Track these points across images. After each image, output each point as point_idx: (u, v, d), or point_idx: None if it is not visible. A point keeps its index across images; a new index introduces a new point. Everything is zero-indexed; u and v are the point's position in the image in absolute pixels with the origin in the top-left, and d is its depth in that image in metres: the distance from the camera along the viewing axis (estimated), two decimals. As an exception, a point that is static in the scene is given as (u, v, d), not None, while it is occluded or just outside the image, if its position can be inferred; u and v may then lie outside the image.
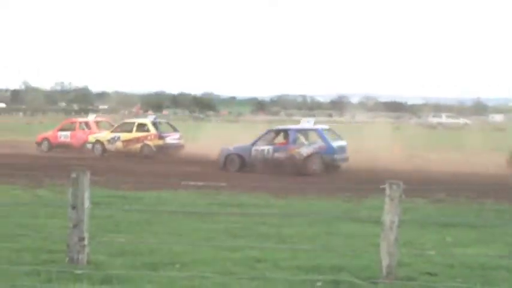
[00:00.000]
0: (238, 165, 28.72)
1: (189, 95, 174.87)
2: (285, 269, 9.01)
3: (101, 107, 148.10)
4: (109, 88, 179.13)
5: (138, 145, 35.47)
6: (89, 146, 36.56)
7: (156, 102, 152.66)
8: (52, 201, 16.67)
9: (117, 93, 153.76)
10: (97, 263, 8.74)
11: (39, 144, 39.72)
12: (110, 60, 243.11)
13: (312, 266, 9.15)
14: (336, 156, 28.17)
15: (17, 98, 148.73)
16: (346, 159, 28.94)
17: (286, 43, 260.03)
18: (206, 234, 12.04)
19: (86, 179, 8.50)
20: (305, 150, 28.22)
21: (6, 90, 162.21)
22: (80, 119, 42.87)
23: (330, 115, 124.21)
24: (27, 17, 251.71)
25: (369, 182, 18.34)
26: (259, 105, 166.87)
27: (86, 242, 8.57)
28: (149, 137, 35.43)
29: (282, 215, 14.62)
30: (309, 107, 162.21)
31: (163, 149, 35.10)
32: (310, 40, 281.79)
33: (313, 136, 29.66)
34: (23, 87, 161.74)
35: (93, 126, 39.90)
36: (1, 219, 13.06)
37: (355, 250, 10.46)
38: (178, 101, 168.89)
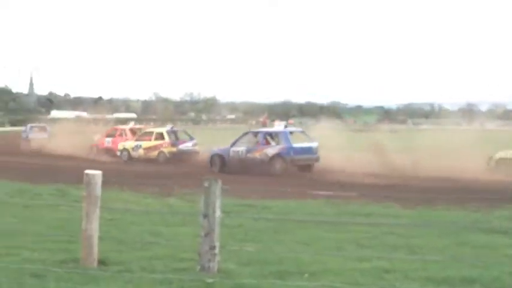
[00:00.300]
0: (219, 165, 32.09)
1: (316, 104, 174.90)
2: (415, 280, 8.86)
3: (228, 116, 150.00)
4: (237, 98, 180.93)
5: (156, 152, 39.41)
6: (118, 152, 41.09)
7: (282, 112, 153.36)
8: (182, 209, 16.97)
9: (244, 103, 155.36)
10: (227, 271, 8.80)
11: (91, 148, 43.97)
12: (238, 71, 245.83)
13: (442, 277, 8.97)
14: (297, 157, 30.93)
15: (148, 109, 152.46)
16: (314, 160, 31.66)
17: (414, 50, 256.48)
18: (334, 243, 11.98)
19: (218, 188, 8.60)
20: (270, 151, 31.28)
21: (138, 101, 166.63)
22: (121, 127, 46.40)
23: (458, 123, 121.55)
24: (156, 29, 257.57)
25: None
26: (385, 114, 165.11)
27: (216, 250, 8.67)
28: (164, 145, 39.44)
29: (411, 225, 14.44)
30: (437, 115, 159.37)
31: (177, 155, 38.68)
32: (438, 46, 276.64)
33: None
34: (153, 98, 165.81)
35: (128, 133, 43.51)
36: (134, 227, 13.41)
37: (485, 261, 10.22)
38: (305, 110, 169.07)
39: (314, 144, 32.12)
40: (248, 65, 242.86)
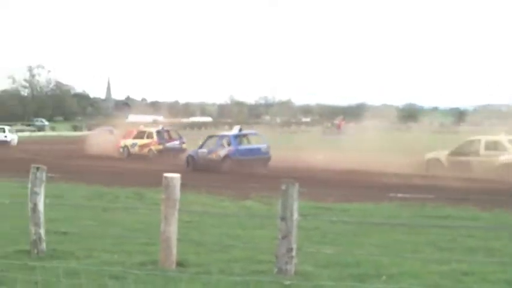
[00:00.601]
0: (192, 165, 36.65)
1: (391, 106, 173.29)
2: (493, 283, 8.72)
3: (303, 119, 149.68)
4: (312, 101, 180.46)
5: (146, 149, 45.60)
6: (121, 149, 47.60)
7: (357, 114, 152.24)
8: (259, 212, 17.01)
9: (319, 105, 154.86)
10: (305, 274, 8.80)
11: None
12: (313, 73, 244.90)
13: (521, 280, 8.84)
14: (242, 157, 35.07)
15: (223, 112, 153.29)
16: (263, 159, 35.62)
17: (493, 49, 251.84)
18: (412, 246, 11.87)
19: (295, 190, 8.62)
20: (222, 153, 35.89)
21: (213, 105, 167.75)
22: (146, 129, 49.02)
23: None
24: (231, 33, 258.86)
25: None
26: (461, 116, 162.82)
27: (294, 253, 8.68)
28: (152, 143, 45.70)
29: (489, 228, 14.21)
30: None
31: (164, 152, 44.01)
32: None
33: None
34: (228, 101, 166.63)
35: (154, 136, 46.28)
36: (211, 229, 13.49)
37: None
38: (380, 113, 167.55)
39: (263, 146, 36.68)
40: (323, 67, 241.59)
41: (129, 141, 47.63)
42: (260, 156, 35.89)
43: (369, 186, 25.23)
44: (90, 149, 52.65)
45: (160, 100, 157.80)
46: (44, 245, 10.09)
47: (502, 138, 30.55)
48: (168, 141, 45.75)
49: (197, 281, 8.10)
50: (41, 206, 10.01)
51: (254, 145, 37.42)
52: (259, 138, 39.21)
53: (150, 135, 46.37)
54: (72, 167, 35.20)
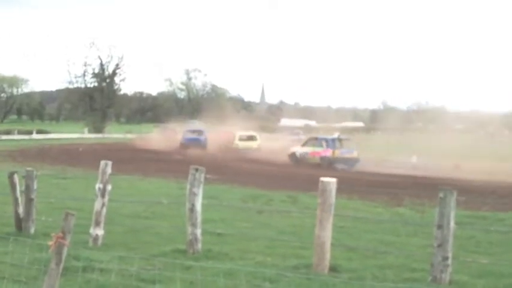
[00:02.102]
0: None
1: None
2: None
3: (456, 126, 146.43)
4: (466, 107, 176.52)
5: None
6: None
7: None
8: (412, 219, 16.81)
9: (474, 112, 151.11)
10: (459, 283, 8.65)
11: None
12: (468, 79, 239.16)
13: None
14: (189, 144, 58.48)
15: (376, 118, 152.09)
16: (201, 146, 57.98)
17: None
18: None
19: (453, 199, 8.50)
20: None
21: (365, 110, 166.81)
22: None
23: None
24: (386, 40, 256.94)
25: None
26: None
27: (449, 261, 8.57)
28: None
29: None
30: None
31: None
32: None
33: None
34: (381, 106, 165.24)
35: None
36: (364, 235, 13.44)
37: None
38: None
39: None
40: (478, 73, 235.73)
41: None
42: (198, 144, 57.64)
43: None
44: (153, 145, 60.52)
45: (313, 105, 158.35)
46: (199, 245, 10.33)
47: None
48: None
49: (350, 287, 8.11)
50: (198, 207, 10.26)
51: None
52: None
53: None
54: (228, 168, 35.85)
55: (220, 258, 10.07)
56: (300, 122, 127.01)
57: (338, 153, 44.19)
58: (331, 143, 44.88)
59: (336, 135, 47.10)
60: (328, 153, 44.19)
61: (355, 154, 44.62)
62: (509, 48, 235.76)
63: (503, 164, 43.84)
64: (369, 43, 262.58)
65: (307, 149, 46.02)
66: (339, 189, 9.61)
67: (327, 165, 42.56)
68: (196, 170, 10.26)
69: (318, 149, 45.04)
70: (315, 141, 46.87)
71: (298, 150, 46.90)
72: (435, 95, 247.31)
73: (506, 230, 14.56)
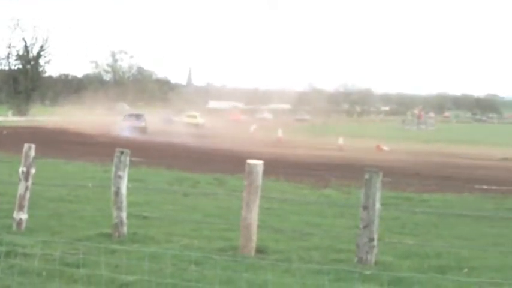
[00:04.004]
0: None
1: (472, 96, 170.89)
2: None
3: (382, 108, 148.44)
4: (391, 89, 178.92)
5: None
6: None
7: (437, 104, 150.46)
8: (339, 201, 16.93)
9: (399, 94, 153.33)
10: (385, 264, 8.72)
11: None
12: (393, 61, 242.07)
13: None
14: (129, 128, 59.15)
15: (302, 99, 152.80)
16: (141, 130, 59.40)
17: None
18: (494, 239, 11.68)
19: (378, 180, 8.55)
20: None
21: (292, 92, 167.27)
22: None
23: None
24: (315, 24, 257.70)
25: None
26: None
27: (375, 242, 8.62)
28: None
29: None
30: None
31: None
32: None
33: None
34: (307, 88, 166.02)
35: None
36: (291, 216, 13.47)
37: None
38: (461, 103, 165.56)
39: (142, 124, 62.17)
40: (403, 56, 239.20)
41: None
42: (138, 127, 61.41)
43: (450, 177, 24.92)
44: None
45: (240, 87, 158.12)
46: (125, 229, 10.21)
47: None
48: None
49: (276, 268, 8.10)
50: (123, 190, 10.12)
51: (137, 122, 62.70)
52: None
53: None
54: (156, 151, 35.64)
55: (146, 241, 9.95)
56: (228, 104, 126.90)
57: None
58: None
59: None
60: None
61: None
62: (434, 31, 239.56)
63: (427, 145, 44.65)
64: (295, 24, 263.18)
65: None
66: (266, 171, 9.59)
67: None
68: (122, 152, 10.11)
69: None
70: None
71: None
72: (362, 77, 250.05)
73: (431, 211, 14.76)
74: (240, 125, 75.33)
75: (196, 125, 72.98)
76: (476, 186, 20.27)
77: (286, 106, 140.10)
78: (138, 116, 66.34)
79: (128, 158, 10.17)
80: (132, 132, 56.91)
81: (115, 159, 10.11)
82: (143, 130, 60.38)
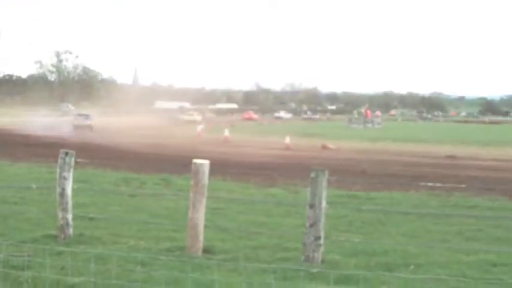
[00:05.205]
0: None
1: (417, 95, 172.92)
2: (524, 274, 8.64)
3: (329, 107, 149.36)
4: (338, 89, 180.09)
5: None
6: None
7: (384, 103, 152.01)
8: (286, 200, 16.96)
9: (345, 93, 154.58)
10: (332, 262, 8.76)
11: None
12: (339, 61, 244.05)
13: (552, 271, 8.74)
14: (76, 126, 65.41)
15: (249, 99, 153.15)
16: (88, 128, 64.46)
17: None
18: (440, 236, 11.81)
19: (324, 179, 8.58)
20: None
21: (239, 92, 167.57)
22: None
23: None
24: (257, 22, 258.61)
25: None
26: (487, 106, 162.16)
27: (321, 241, 8.65)
28: None
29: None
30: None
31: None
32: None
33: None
34: (254, 88, 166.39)
35: None
36: (238, 216, 13.46)
37: None
38: (406, 101, 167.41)
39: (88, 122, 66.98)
40: (349, 55, 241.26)
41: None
42: (85, 125, 66.91)
43: (395, 175, 25.14)
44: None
45: (187, 86, 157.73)
46: (71, 230, 10.09)
47: None
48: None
49: (224, 268, 8.08)
50: (69, 191, 10.01)
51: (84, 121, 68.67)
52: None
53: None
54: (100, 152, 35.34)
55: (93, 242, 9.85)
56: (174, 104, 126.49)
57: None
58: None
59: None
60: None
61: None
62: (380, 30, 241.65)
63: (373, 143, 45.00)
64: (243, 23, 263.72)
65: None
66: (213, 171, 9.56)
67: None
68: (66, 153, 9.99)
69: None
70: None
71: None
72: (308, 76, 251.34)
73: (377, 209, 14.88)
74: (187, 125, 75.15)
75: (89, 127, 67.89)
76: (422, 184, 20.45)
77: (233, 106, 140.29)
78: (86, 116, 72.60)
79: (72, 159, 10.05)
80: (81, 130, 62.23)
81: (60, 160, 9.99)
82: (90, 128, 66.33)
